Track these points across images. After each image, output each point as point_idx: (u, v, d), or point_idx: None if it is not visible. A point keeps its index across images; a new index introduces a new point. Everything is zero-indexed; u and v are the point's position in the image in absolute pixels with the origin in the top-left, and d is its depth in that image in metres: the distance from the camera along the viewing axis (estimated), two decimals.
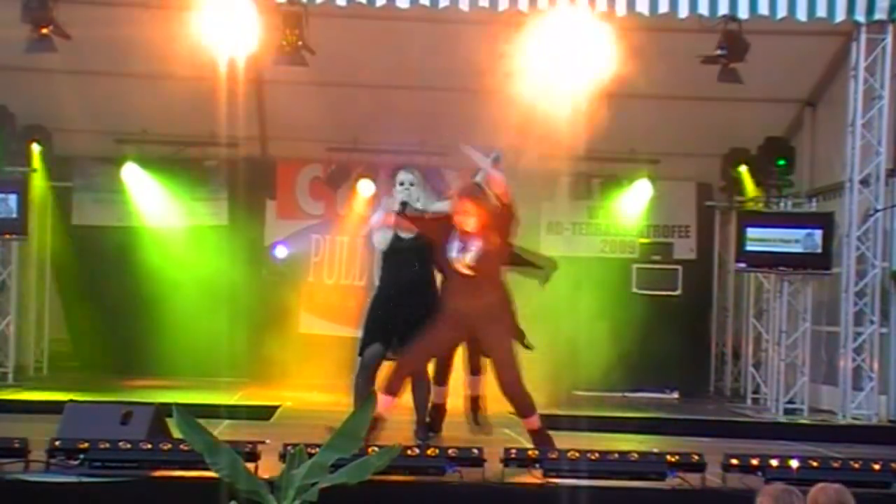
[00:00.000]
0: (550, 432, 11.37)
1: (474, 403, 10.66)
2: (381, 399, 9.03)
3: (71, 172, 16.14)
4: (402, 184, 10.01)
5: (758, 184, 15.09)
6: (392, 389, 9.32)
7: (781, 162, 14.82)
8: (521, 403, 9.36)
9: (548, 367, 13.23)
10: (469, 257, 9.13)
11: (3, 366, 14.69)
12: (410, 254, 9.85)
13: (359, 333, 10.17)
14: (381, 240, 9.92)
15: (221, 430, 10.01)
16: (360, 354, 9.92)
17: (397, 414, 10.35)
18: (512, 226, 9.42)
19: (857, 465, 8.35)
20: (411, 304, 9.75)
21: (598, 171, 16.12)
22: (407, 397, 9.97)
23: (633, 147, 15.72)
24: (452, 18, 12.49)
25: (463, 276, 9.14)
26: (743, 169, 15.15)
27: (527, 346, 9.57)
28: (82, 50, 13.02)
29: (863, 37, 12.59)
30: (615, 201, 16.34)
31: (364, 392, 9.41)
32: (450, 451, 8.20)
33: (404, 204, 9.87)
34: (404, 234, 9.85)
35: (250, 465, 7.53)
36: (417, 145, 15.50)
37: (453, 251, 9.18)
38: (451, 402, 12.54)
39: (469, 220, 9.15)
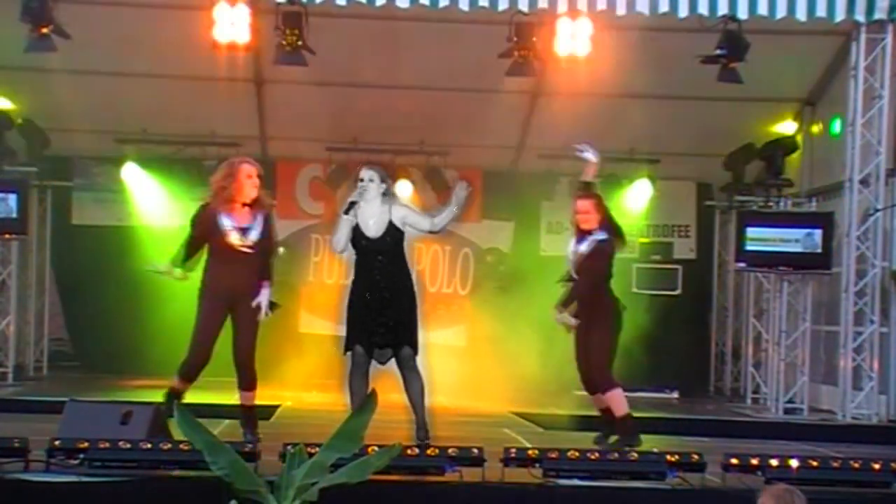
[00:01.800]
0: (553, 431, 11.42)
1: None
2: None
3: (71, 172, 16.14)
4: (361, 180, 9.75)
5: (758, 184, 15.09)
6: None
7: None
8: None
9: (548, 366, 13.26)
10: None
11: (3, 366, 14.69)
12: (379, 253, 9.70)
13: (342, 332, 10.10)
14: (336, 242, 9.72)
15: (221, 430, 10.00)
16: (345, 354, 9.84)
17: (397, 414, 10.34)
18: None
19: (857, 465, 8.34)
20: (385, 306, 9.67)
21: (599, 171, 16.09)
22: (404, 397, 9.95)
23: (633, 147, 15.72)
24: (452, 18, 12.50)
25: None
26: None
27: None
28: (82, 50, 13.03)
29: (863, 36, 12.60)
30: (615, 201, 16.31)
31: (360, 392, 9.39)
32: (450, 451, 8.19)
33: (352, 204, 9.74)
34: (370, 234, 9.76)
35: (250, 465, 7.52)
36: (417, 145, 15.53)
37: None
38: (450, 402, 12.58)
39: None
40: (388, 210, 9.72)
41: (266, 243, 9.58)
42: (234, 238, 9.48)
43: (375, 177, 9.74)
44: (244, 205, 9.48)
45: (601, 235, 10.02)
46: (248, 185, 9.48)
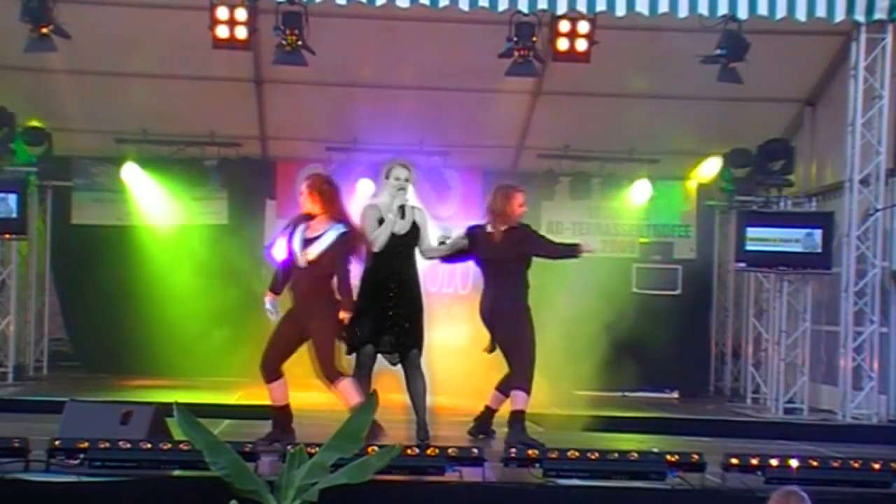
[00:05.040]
0: (553, 431, 11.41)
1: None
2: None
3: (71, 172, 16.13)
4: (397, 179, 9.79)
5: (758, 184, 15.09)
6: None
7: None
8: None
9: (548, 367, 13.22)
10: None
11: (3, 366, 14.69)
12: (401, 249, 9.73)
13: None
14: (383, 242, 9.67)
15: (221, 429, 10.01)
16: (349, 353, 9.81)
17: (397, 414, 10.35)
18: None
19: (857, 465, 8.35)
20: (402, 302, 9.68)
21: (598, 171, 16.12)
22: (404, 397, 9.94)
23: (633, 147, 15.72)
24: (452, 18, 12.50)
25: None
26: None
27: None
28: (82, 50, 13.03)
29: (862, 36, 12.60)
30: (615, 201, 16.32)
31: (363, 392, 9.39)
32: (450, 451, 8.20)
33: (402, 208, 9.72)
34: (396, 229, 9.75)
35: (250, 465, 7.52)
36: (417, 145, 15.51)
37: None
38: (450, 402, 12.59)
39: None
40: (412, 210, 9.77)
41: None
42: None
43: (410, 176, 9.79)
44: None
45: None
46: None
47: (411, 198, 9.92)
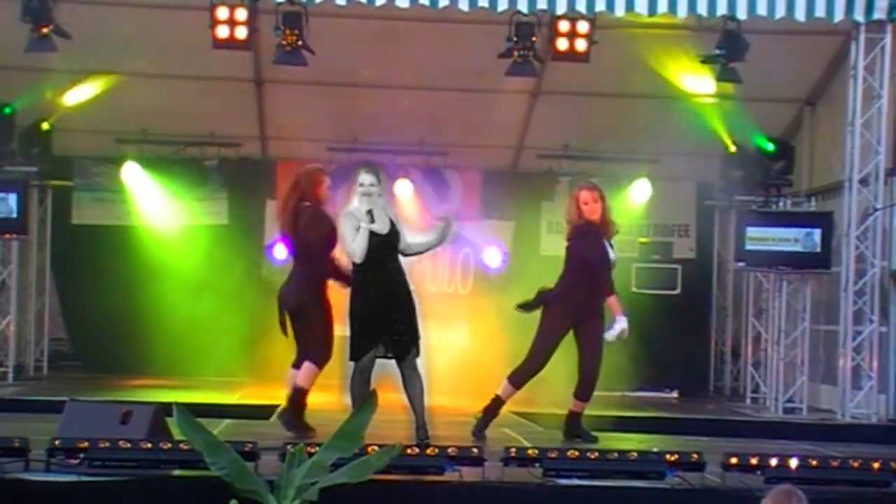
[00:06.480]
0: (553, 431, 11.44)
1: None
2: None
3: (71, 172, 16.14)
4: (362, 185, 9.70)
5: (757, 184, 15.09)
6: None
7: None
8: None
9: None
10: None
11: (3, 366, 14.70)
12: (389, 250, 9.69)
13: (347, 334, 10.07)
14: (362, 252, 9.58)
15: (221, 429, 10.02)
16: (352, 359, 9.78)
17: (397, 414, 10.36)
18: None
19: (856, 465, 8.35)
20: (398, 302, 9.67)
21: (598, 171, 16.11)
22: (404, 397, 9.95)
23: (633, 147, 15.72)
24: (452, 18, 12.52)
25: None
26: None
27: None
28: (82, 50, 13.03)
29: (862, 36, 12.61)
30: (615, 201, 16.29)
31: (362, 394, 9.37)
32: (450, 451, 8.19)
33: (370, 212, 9.65)
34: (378, 230, 9.69)
35: (250, 465, 7.53)
36: (417, 145, 15.53)
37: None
38: (449, 402, 12.60)
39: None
40: (383, 212, 9.77)
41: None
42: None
43: (376, 181, 9.74)
44: None
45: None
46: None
47: (382, 201, 9.87)
